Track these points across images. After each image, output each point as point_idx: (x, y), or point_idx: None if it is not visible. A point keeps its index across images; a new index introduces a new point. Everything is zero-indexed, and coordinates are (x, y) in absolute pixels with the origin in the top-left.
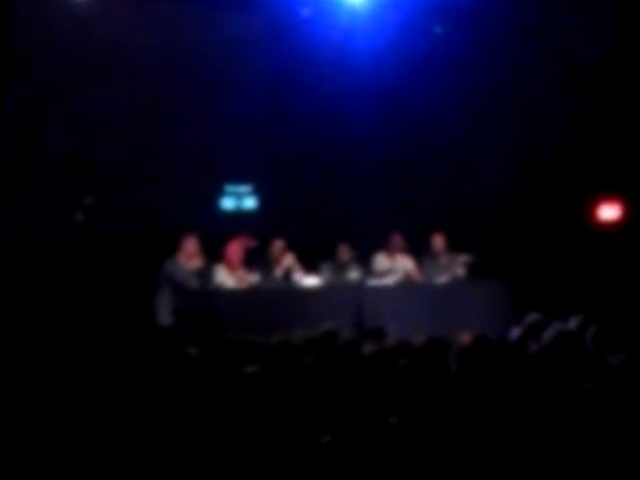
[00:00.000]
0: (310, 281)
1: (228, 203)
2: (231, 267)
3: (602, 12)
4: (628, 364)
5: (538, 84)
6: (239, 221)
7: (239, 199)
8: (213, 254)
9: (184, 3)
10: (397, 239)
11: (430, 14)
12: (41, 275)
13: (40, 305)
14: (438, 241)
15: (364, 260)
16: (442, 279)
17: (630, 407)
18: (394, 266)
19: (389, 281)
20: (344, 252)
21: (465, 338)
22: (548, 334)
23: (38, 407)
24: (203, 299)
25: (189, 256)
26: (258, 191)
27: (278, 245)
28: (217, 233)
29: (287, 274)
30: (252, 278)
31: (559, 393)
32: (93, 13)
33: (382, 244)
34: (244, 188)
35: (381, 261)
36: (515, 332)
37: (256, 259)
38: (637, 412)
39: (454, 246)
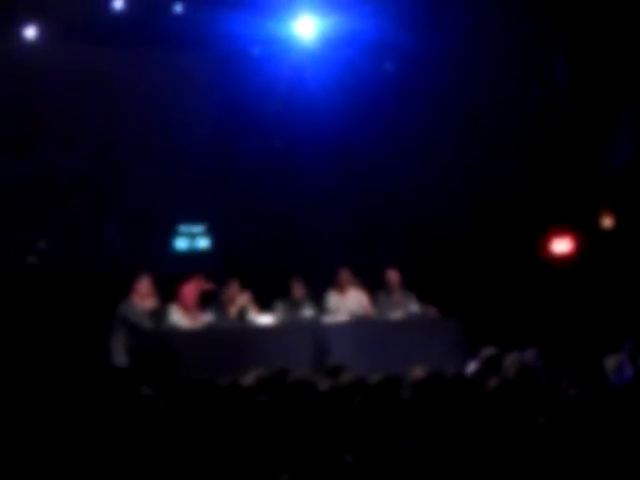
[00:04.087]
0: (264, 320)
1: (181, 243)
2: (186, 308)
3: (553, 49)
4: (583, 397)
5: (490, 119)
6: (192, 261)
7: (192, 239)
8: (167, 294)
9: (130, 42)
10: (344, 274)
11: (380, 51)
12: None
13: None
14: (392, 276)
15: (318, 298)
16: (396, 315)
17: (586, 439)
18: (346, 302)
19: (342, 318)
20: (298, 290)
21: (418, 373)
22: (509, 367)
23: None
24: (158, 339)
25: (143, 296)
26: (211, 231)
27: (233, 285)
28: (170, 273)
29: (241, 313)
30: (206, 318)
31: (517, 426)
32: (37, 55)
33: (333, 281)
34: (197, 228)
35: (332, 298)
36: (472, 366)
37: (210, 299)
38: (592, 444)
39: (407, 281)
